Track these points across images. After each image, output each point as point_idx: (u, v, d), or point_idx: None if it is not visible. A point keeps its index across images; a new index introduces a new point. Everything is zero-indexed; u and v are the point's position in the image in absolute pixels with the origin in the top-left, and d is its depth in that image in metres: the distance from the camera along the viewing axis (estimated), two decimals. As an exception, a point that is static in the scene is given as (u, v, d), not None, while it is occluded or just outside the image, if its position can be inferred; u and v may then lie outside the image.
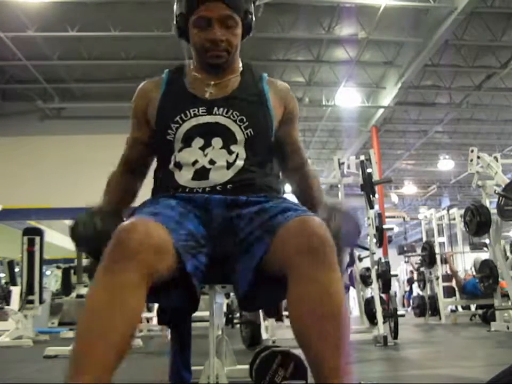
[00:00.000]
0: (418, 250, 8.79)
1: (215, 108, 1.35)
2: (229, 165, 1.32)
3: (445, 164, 15.02)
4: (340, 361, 1.00)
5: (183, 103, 1.37)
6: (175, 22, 1.40)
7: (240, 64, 1.46)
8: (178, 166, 1.34)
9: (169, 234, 1.10)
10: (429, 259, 7.33)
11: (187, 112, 1.35)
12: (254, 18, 1.41)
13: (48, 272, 13.19)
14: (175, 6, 1.39)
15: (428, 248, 7.44)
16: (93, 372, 0.94)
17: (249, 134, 1.34)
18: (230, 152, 1.32)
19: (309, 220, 1.11)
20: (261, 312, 3.77)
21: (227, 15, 1.31)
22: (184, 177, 1.33)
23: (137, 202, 1.44)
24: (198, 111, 1.35)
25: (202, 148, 1.33)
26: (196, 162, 1.33)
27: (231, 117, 1.34)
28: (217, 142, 1.33)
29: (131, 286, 1.01)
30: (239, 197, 1.27)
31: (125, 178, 1.50)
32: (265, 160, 1.40)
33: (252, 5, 1.40)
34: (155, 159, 1.50)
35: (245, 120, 1.34)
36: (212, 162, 1.32)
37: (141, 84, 1.49)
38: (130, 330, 1.02)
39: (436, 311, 7.23)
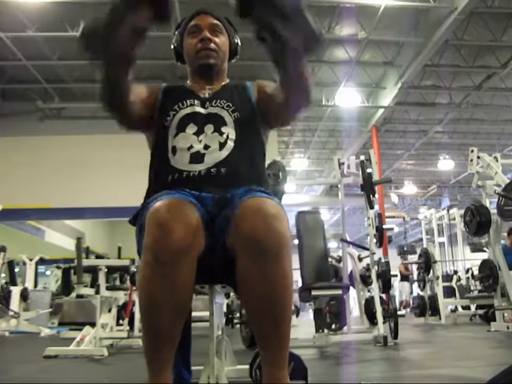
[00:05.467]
0: (418, 251, 8.79)
1: (207, 102, 1.51)
2: (221, 146, 1.42)
3: (445, 164, 15.02)
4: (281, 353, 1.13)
5: (182, 95, 1.52)
6: (172, 47, 1.64)
7: (227, 80, 1.64)
8: (174, 151, 1.43)
9: (198, 212, 1.19)
10: (425, 266, 7.52)
11: (184, 102, 1.49)
12: (238, 43, 1.65)
13: (48, 272, 13.19)
14: (173, 39, 1.64)
15: (424, 256, 7.54)
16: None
17: (236, 116, 1.48)
18: (221, 133, 1.44)
19: (258, 206, 1.14)
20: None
21: (215, 23, 1.56)
22: (180, 161, 1.40)
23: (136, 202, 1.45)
24: (194, 102, 1.49)
25: (196, 134, 1.44)
26: (191, 147, 1.41)
27: (219, 105, 1.49)
28: (209, 128, 1.45)
29: (181, 269, 1.10)
30: (225, 195, 1.30)
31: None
32: (253, 142, 1.50)
33: (236, 34, 1.64)
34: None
35: (231, 105, 1.49)
36: (206, 147, 1.41)
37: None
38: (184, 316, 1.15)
39: (435, 311, 7.23)
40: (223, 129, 1.44)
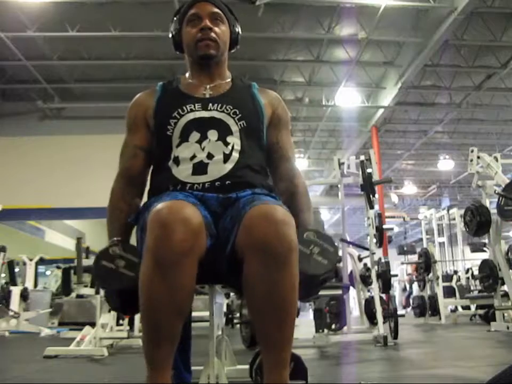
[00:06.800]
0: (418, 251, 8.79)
1: (210, 104, 1.43)
2: (226, 158, 1.37)
3: (445, 164, 15.01)
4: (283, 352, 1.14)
5: (179, 101, 1.45)
6: (171, 36, 1.56)
7: (230, 75, 1.58)
8: (177, 161, 1.39)
9: (200, 214, 1.18)
10: (425, 266, 7.49)
11: (184, 107, 1.42)
12: (239, 32, 1.58)
13: (48, 272, 13.20)
14: (171, 28, 1.56)
15: (424, 256, 7.52)
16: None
17: (242, 125, 1.43)
18: (226, 144, 1.39)
19: (268, 212, 1.15)
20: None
21: (215, 11, 1.49)
22: (183, 172, 1.37)
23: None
24: (194, 107, 1.43)
25: (199, 142, 1.39)
26: (194, 157, 1.37)
27: (225, 110, 1.42)
28: (213, 134, 1.39)
29: (182, 269, 1.10)
30: (230, 196, 1.30)
31: (128, 194, 1.49)
32: (258, 153, 1.46)
33: (236, 22, 1.57)
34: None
35: (238, 112, 1.43)
36: (209, 156, 1.37)
37: (134, 97, 1.55)
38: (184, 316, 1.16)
39: (435, 311, 7.23)
40: (229, 139, 1.40)
